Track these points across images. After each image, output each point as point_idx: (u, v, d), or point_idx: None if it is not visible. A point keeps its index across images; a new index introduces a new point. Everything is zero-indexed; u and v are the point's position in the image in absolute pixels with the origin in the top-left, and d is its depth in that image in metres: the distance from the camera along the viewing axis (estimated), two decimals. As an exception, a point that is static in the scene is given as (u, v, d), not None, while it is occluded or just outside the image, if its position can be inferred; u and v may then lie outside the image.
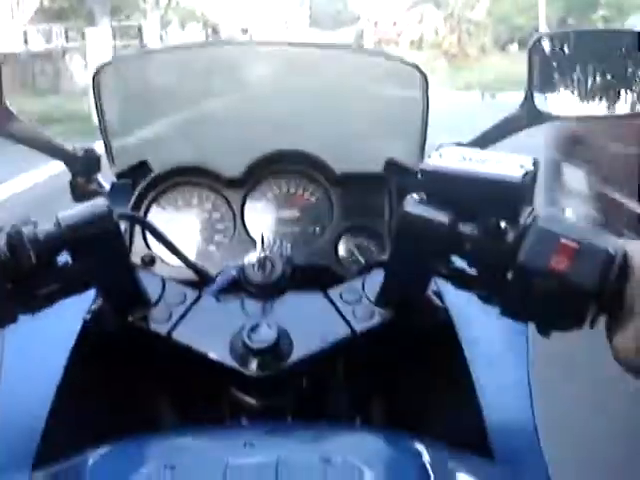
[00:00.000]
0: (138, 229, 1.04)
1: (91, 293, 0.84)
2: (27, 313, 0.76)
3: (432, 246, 0.73)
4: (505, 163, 0.70)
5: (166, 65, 1.13)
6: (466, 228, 0.71)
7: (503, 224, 0.69)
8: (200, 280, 0.92)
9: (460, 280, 0.75)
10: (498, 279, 0.71)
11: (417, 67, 1.08)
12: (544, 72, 1.12)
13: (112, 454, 0.71)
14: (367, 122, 1.13)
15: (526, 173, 0.69)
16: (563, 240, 0.66)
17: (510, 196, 0.68)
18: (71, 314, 0.85)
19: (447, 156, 0.72)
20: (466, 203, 0.71)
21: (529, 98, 1.13)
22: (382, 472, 0.64)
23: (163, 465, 0.63)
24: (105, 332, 0.85)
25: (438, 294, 0.87)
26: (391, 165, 1.09)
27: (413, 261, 0.76)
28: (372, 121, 1.13)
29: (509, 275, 0.69)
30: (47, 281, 0.77)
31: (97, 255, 0.77)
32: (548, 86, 1.13)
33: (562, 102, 1.12)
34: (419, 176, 0.72)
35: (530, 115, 1.13)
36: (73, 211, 0.76)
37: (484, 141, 1.18)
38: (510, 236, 0.69)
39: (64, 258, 0.77)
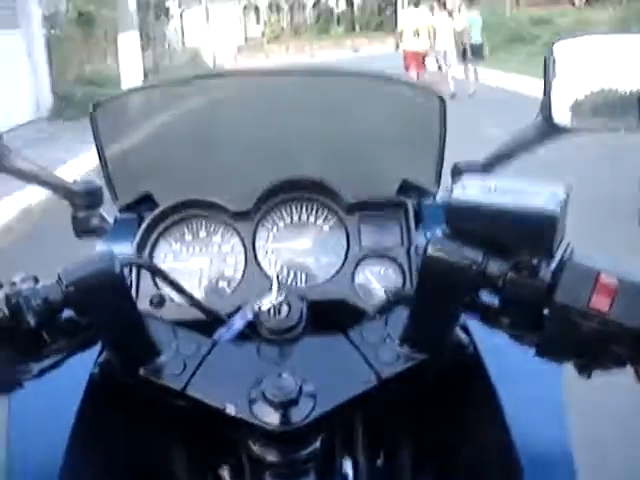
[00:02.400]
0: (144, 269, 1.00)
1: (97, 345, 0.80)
2: (33, 378, 0.72)
3: (461, 284, 0.68)
4: (535, 193, 0.65)
5: (167, 98, 1.09)
6: (497, 265, 0.66)
7: (536, 260, 0.65)
8: (212, 322, 0.87)
9: (491, 318, 0.71)
10: (532, 318, 0.66)
11: (434, 93, 1.04)
12: (563, 81, 1.07)
13: None
14: (381, 145, 1.08)
15: (561, 203, 0.64)
16: (603, 277, 0.62)
17: (546, 230, 0.64)
18: (77, 368, 0.81)
19: (471, 188, 0.67)
20: (497, 238, 0.66)
21: (546, 110, 1.07)
22: None
23: None
24: (114, 386, 0.81)
25: (464, 328, 0.82)
26: (406, 186, 1.04)
27: (440, 299, 0.72)
28: (387, 144, 1.09)
29: (545, 313, 0.65)
30: (51, 340, 0.73)
31: (103, 308, 0.73)
32: (567, 96, 1.07)
33: (583, 114, 1.06)
34: (446, 211, 0.67)
35: (547, 129, 1.08)
36: (75, 266, 0.72)
37: (499, 159, 1.14)
38: (545, 273, 0.65)
39: (67, 313, 0.73)
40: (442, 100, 1.03)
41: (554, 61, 1.06)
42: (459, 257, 0.66)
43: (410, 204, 1.02)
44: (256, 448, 0.82)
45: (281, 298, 0.82)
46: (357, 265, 1.00)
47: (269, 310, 0.81)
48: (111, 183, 1.08)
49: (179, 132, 1.08)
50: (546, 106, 1.07)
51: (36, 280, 0.72)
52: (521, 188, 0.67)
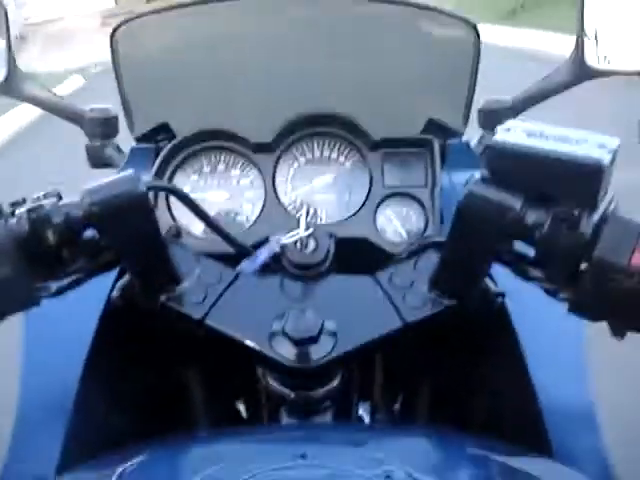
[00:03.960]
0: (161, 198, 0.97)
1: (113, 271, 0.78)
2: (51, 296, 0.70)
3: (497, 230, 0.66)
4: (584, 141, 0.62)
5: (188, 23, 1.05)
6: (536, 213, 0.64)
7: (578, 211, 0.62)
8: (237, 255, 0.85)
9: (524, 269, 0.69)
10: (569, 272, 0.64)
11: (470, 23, 1.00)
12: (596, 19, 1.03)
13: (150, 460, 0.65)
14: (407, 80, 1.05)
15: (610, 153, 0.61)
16: None
17: (593, 180, 0.60)
18: (93, 292, 0.79)
19: (515, 131, 0.64)
20: (538, 186, 0.63)
21: (579, 49, 1.04)
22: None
23: (209, 476, 0.57)
24: (132, 311, 0.79)
25: (492, 278, 0.80)
26: (432, 126, 1.01)
27: (474, 245, 0.69)
28: (413, 79, 1.05)
29: (582, 269, 0.63)
30: (71, 259, 0.71)
31: (126, 230, 0.71)
32: (601, 35, 1.03)
33: (617, 54, 1.03)
34: (485, 153, 0.65)
35: (579, 70, 1.05)
36: (100, 185, 0.70)
37: (530, 99, 1.11)
38: (587, 226, 0.62)
39: (90, 233, 0.71)
40: (477, 32, 0.99)
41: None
42: (497, 202, 0.64)
43: (436, 143, 0.99)
44: (273, 383, 0.81)
45: (309, 233, 0.79)
46: (379, 204, 0.98)
47: (295, 244, 0.79)
48: (128, 111, 1.05)
49: (200, 60, 1.05)
50: (578, 47, 1.04)
51: (59, 197, 0.70)
52: (569, 136, 0.64)
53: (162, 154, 0.99)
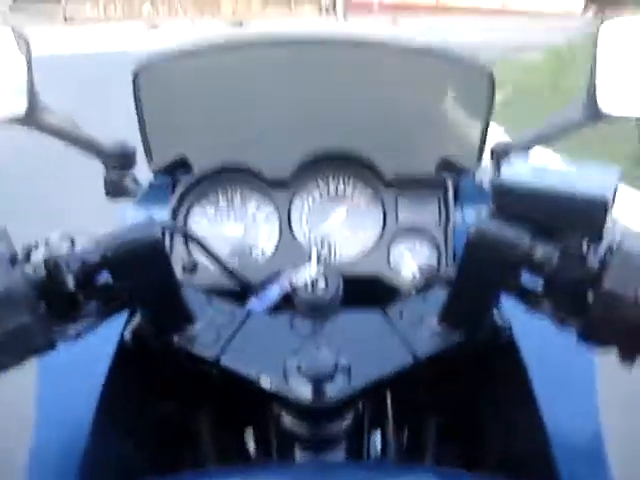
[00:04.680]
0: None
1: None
2: (68, 340, 0.71)
3: (506, 265, 0.67)
4: (586, 177, 0.65)
5: (208, 64, 1.07)
6: (544, 248, 0.65)
7: (584, 245, 0.64)
8: (245, 291, 0.86)
9: (533, 301, 0.70)
10: (577, 302, 0.66)
11: (484, 66, 1.01)
12: (609, 64, 1.04)
13: None
14: (422, 120, 1.07)
15: (612, 188, 0.63)
16: None
17: (598, 215, 0.63)
18: (105, 334, 0.80)
19: (521, 168, 0.67)
20: (544, 221, 0.65)
21: (591, 93, 1.05)
22: None
23: None
24: (144, 351, 0.80)
25: (499, 311, 0.81)
26: (445, 165, 1.03)
27: (482, 279, 0.71)
28: (428, 119, 1.07)
29: (589, 299, 0.64)
30: (86, 303, 0.72)
31: (141, 275, 0.72)
32: (614, 80, 1.05)
33: (629, 100, 1.04)
34: (492, 191, 0.66)
35: (589, 114, 1.06)
36: (116, 232, 0.71)
37: (540, 139, 1.12)
38: (594, 258, 0.64)
39: (103, 277, 0.72)
40: (491, 75, 1.01)
41: (601, 43, 1.04)
42: (505, 237, 0.66)
43: (449, 182, 1.00)
44: (286, 420, 0.82)
45: (319, 272, 0.81)
46: (393, 241, 0.99)
47: (306, 284, 0.81)
48: (147, 145, 1.07)
49: (218, 97, 1.06)
50: (591, 90, 1.05)
51: (72, 241, 0.71)
52: (571, 171, 0.66)
53: (180, 189, 1.00)
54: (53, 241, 0.70)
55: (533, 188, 0.65)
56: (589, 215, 0.63)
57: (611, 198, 0.62)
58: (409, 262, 0.99)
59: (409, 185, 1.02)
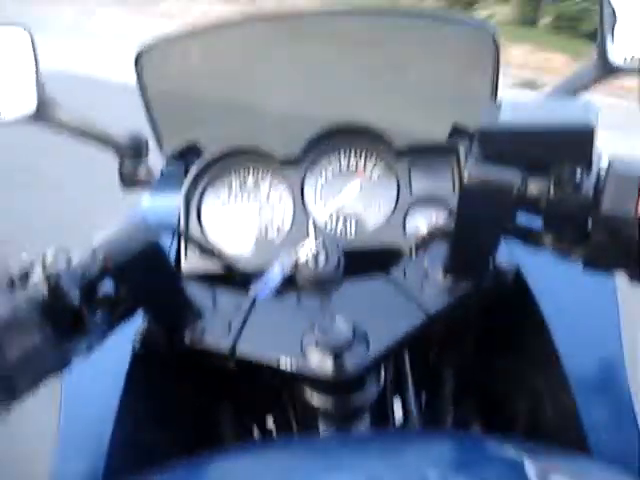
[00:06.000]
0: (193, 214, 0.99)
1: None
2: (81, 355, 0.71)
3: (501, 207, 0.67)
4: (567, 107, 0.65)
5: (211, 44, 1.06)
6: (538, 183, 0.65)
7: (576, 173, 0.64)
8: (249, 280, 0.86)
9: (533, 238, 0.70)
10: (577, 232, 0.66)
11: (488, 25, 1.00)
12: (618, 18, 1.03)
13: (186, 475, 0.66)
14: (431, 88, 1.06)
15: (595, 114, 0.63)
16: None
17: (585, 142, 0.62)
18: (122, 339, 0.80)
19: (502, 111, 0.66)
20: (533, 157, 0.65)
21: (600, 48, 1.04)
22: None
23: None
24: (157, 354, 0.80)
25: (505, 255, 0.81)
26: (457, 131, 1.02)
27: (481, 224, 0.70)
28: (437, 87, 1.06)
29: (589, 226, 0.65)
30: (91, 315, 0.71)
31: (143, 278, 0.72)
32: (622, 34, 1.03)
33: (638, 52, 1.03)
34: (478, 137, 0.66)
35: (601, 68, 1.04)
36: (109, 236, 0.70)
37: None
38: (588, 185, 0.63)
39: (105, 286, 0.72)
40: (495, 35, 1.00)
41: None
42: (498, 179, 0.65)
43: (461, 148, 0.99)
44: (308, 398, 0.82)
45: (318, 247, 0.80)
46: (408, 211, 0.98)
47: (306, 259, 0.80)
48: (157, 132, 1.07)
49: (225, 78, 1.07)
50: (601, 45, 1.04)
51: (68, 254, 0.70)
52: (551, 104, 0.67)
53: (190, 174, 1.00)
54: (49, 258, 0.69)
55: (517, 126, 0.64)
56: (577, 144, 0.63)
57: (596, 124, 0.62)
58: (425, 231, 0.98)
59: (421, 154, 1.01)
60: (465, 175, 0.67)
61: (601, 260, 0.66)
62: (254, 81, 1.07)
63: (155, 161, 1.14)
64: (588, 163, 0.63)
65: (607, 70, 1.04)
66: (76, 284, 0.68)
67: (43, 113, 1.09)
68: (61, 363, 0.68)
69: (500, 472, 0.63)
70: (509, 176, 0.65)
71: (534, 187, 0.65)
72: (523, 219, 0.69)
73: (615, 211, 0.62)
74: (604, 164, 0.64)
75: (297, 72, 1.06)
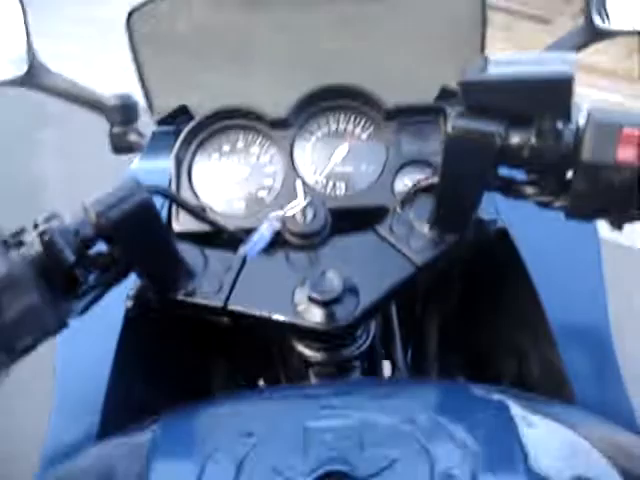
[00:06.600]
0: (184, 177, 1.00)
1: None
2: (77, 315, 0.72)
3: (484, 158, 0.69)
4: (545, 60, 0.66)
5: (204, 5, 1.07)
6: (519, 134, 0.67)
7: (557, 123, 0.66)
8: (239, 239, 0.87)
9: (517, 190, 0.72)
10: (560, 181, 0.68)
11: None
12: None
13: (180, 421, 0.68)
14: (418, 50, 1.07)
15: (572, 64, 0.65)
16: (625, 129, 0.63)
17: (564, 92, 0.64)
18: (114, 299, 0.80)
19: (483, 65, 0.67)
20: (514, 109, 0.66)
21: (587, 13, 1.05)
22: (468, 427, 0.60)
23: (239, 432, 0.60)
24: (150, 314, 0.82)
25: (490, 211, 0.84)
26: (446, 92, 1.03)
27: (464, 177, 0.72)
28: (424, 47, 1.07)
29: (570, 175, 0.67)
30: (85, 276, 0.72)
31: (136, 237, 0.73)
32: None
33: (624, 15, 1.04)
34: (460, 90, 0.67)
35: (588, 33, 1.06)
36: (102, 197, 0.71)
37: None
38: (568, 134, 0.65)
39: (98, 246, 0.73)
40: None
41: None
42: (480, 130, 0.67)
43: (449, 110, 1.00)
44: (300, 349, 0.84)
45: (307, 202, 0.83)
46: (397, 172, 0.99)
47: (294, 216, 0.82)
48: (148, 95, 1.08)
49: (215, 41, 1.07)
50: (586, 9, 1.05)
51: (60, 216, 0.71)
52: (531, 58, 0.68)
53: (180, 137, 1.01)
54: (39, 220, 0.69)
55: (498, 78, 0.66)
56: (556, 94, 0.64)
57: (573, 74, 0.63)
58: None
59: (410, 117, 1.02)
60: (448, 127, 0.68)
61: (583, 209, 0.68)
62: (245, 43, 1.08)
63: (146, 125, 1.14)
64: (568, 113, 0.65)
65: (593, 34, 1.06)
66: (70, 243, 0.69)
67: (33, 76, 1.09)
68: (58, 323, 0.69)
69: (486, 415, 0.64)
70: (491, 128, 0.67)
71: (516, 138, 0.67)
72: (506, 172, 0.71)
73: (595, 159, 0.64)
74: (584, 114, 0.65)
75: (286, 36, 1.06)
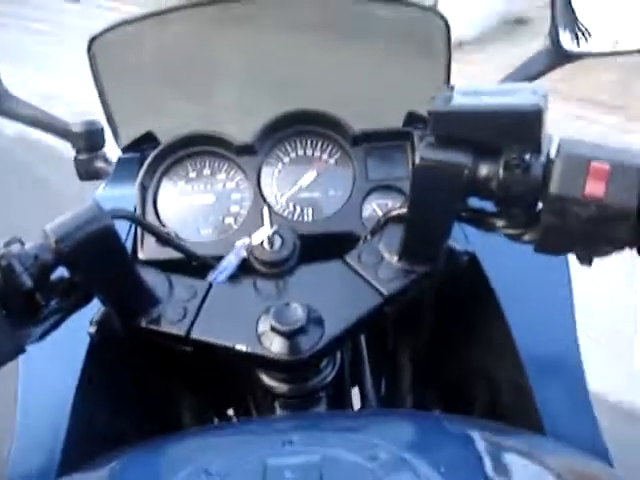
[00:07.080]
0: (149, 204, 0.99)
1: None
2: (34, 342, 0.71)
3: (452, 189, 0.68)
4: (516, 91, 0.66)
5: (167, 30, 1.06)
6: (488, 166, 0.66)
7: (526, 156, 0.65)
8: (205, 266, 0.86)
9: (486, 222, 0.71)
10: (529, 215, 0.67)
11: (436, 11, 1.01)
12: (569, 4, 1.04)
13: (141, 457, 0.66)
14: (385, 76, 1.06)
15: (543, 97, 0.64)
16: (594, 163, 0.62)
17: (534, 124, 0.63)
18: (77, 325, 0.79)
19: (452, 95, 0.67)
20: (484, 140, 0.66)
21: (554, 35, 1.05)
22: (432, 462, 0.59)
23: (200, 469, 0.58)
24: (114, 341, 0.80)
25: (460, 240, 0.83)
26: (412, 118, 1.02)
27: (433, 207, 0.71)
28: (390, 74, 1.06)
29: (539, 208, 0.66)
30: (46, 301, 0.71)
31: (97, 263, 0.72)
32: (574, 20, 1.04)
33: (591, 37, 1.04)
34: (430, 120, 0.67)
35: (555, 56, 1.06)
36: (63, 221, 0.70)
37: None
38: (537, 167, 0.64)
39: (59, 272, 0.72)
40: (446, 22, 1.00)
41: None
42: (449, 162, 0.66)
43: (417, 135, 1.00)
44: (265, 380, 0.82)
45: (274, 230, 0.82)
46: (364, 198, 0.99)
47: (262, 244, 0.81)
48: (112, 122, 1.06)
49: (180, 66, 1.06)
50: (553, 32, 1.05)
51: (21, 242, 0.70)
52: (501, 89, 0.68)
53: (145, 163, 1.00)
54: (1, 246, 0.68)
55: (468, 109, 0.65)
56: (525, 126, 0.64)
57: (544, 106, 0.63)
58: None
59: (377, 142, 1.01)
60: (417, 158, 0.68)
61: (552, 243, 0.67)
62: (210, 68, 1.07)
63: (115, 150, 1.13)
64: (537, 145, 0.64)
65: (560, 57, 1.06)
66: (28, 268, 0.67)
67: None
68: (15, 349, 0.68)
69: (454, 449, 0.63)
70: (460, 159, 0.66)
71: (484, 170, 0.66)
72: (476, 203, 0.70)
73: (562, 192, 0.63)
74: (554, 146, 0.65)
75: (252, 60, 1.06)
